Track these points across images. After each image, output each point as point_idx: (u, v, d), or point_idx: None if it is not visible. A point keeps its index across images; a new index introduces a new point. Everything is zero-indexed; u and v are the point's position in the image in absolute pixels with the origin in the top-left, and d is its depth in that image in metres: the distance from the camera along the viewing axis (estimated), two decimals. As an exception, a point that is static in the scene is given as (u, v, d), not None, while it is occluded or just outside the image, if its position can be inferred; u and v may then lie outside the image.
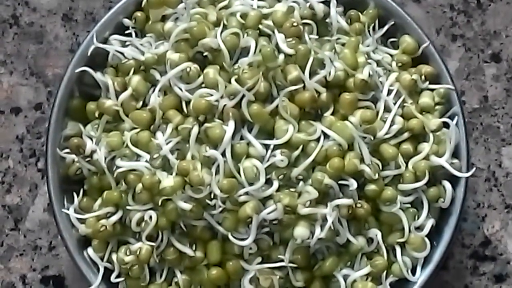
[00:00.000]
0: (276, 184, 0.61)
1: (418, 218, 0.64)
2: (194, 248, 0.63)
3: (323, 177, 0.61)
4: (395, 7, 0.68)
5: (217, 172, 0.61)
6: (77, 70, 0.66)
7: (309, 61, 0.62)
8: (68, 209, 0.65)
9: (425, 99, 0.66)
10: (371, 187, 0.63)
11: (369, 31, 0.67)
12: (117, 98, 0.65)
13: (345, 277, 0.63)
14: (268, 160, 0.61)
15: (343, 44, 0.66)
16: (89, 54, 0.66)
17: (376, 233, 0.64)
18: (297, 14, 0.65)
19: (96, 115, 0.66)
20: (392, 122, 0.64)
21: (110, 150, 0.64)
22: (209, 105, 0.62)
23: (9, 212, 0.74)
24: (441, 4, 0.77)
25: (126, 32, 0.67)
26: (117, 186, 0.64)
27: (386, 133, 0.63)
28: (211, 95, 0.62)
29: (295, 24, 0.63)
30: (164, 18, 0.66)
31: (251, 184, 0.61)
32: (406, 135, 0.64)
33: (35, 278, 0.73)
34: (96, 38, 0.66)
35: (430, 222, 0.65)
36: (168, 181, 0.61)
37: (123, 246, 0.64)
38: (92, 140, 0.65)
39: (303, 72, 0.62)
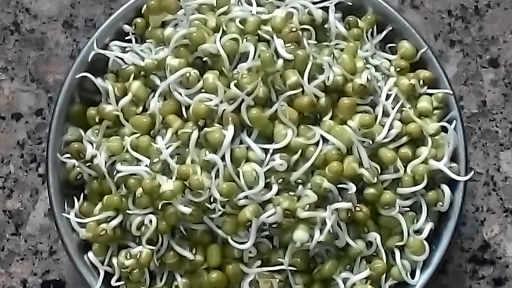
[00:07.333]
0: (275, 188, 0.62)
1: (417, 222, 0.64)
2: (194, 251, 0.63)
3: (322, 181, 0.61)
4: (393, 13, 0.68)
5: (216, 176, 0.61)
6: (77, 76, 0.66)
7: (307, 66, 0.62)
8: (68, 214, 0.65)
9: (424, 103, 0.66)
10: (370, 190, 0.63)
11: (367, 36, 0.67)
12: (117, 103, 0.65)
13: (345, 281, 0.63)
14: (267, 164, 0.61)
15: (341, 50, 0.66)
16: (89, 60, 0.66)
17: (375, 236, 0.64)
18: (296, 20, 0.65)
19: (97, 120, 0.66)
20: (391, 127, 0.64)
21: (110, 154, 0.64)
22: (208, 109, 0.62)
23: (10, 217, 0.74)
24: (439, 10, 0.77)
25: (126, 38, 0.68)
26: (118, 191, 0.64)
27: (385, 137, 0.63)
28: (211, 100, 0.62)
29: (294, 29, 0.63)
30: (163, 24, 0.67)
31: (250, 188, 0.61)
32: (404, 139, 0.64)
33: (36, 282, 0.73)
34: (96, 44, 0.66)
35: (429, 226, 0.65)
36: (168, 185, 0.61)
37: (123, 250, 0.64)
38: (92, 145, 0.65)
39: (302, 77, 0.62)
